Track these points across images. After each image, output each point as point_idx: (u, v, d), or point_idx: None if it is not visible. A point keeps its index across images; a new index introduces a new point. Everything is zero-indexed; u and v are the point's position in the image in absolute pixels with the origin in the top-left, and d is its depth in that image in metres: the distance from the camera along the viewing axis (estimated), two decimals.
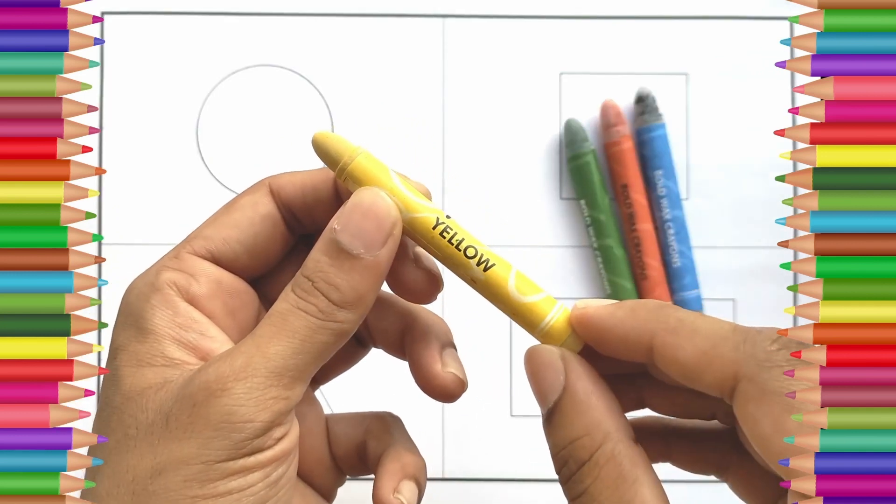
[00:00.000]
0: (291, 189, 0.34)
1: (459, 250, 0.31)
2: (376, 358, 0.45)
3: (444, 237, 0.31)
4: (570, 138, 0.44)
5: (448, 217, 0.31)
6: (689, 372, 0.29)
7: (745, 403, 0.28)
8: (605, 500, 0.28)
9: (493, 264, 0.31)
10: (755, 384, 0.28)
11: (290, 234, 0.35)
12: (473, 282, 0.32)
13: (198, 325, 0.33)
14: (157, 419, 0.31)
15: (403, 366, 0.45)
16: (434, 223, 0.31)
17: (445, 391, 0.35)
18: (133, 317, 0.34)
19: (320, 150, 0.31)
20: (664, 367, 0.29)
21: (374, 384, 0.45)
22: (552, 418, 0.30)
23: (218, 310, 0.33)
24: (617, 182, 0.44)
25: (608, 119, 0.44)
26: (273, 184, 0.34)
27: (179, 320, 0.33)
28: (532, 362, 0.31)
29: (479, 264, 0.31)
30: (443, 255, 0.31)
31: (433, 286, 0.34)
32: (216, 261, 0.34)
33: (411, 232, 0.31)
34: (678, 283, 0.44)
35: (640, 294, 0.44)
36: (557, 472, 0.30)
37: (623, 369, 0.31)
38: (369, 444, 0.36)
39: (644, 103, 0.45)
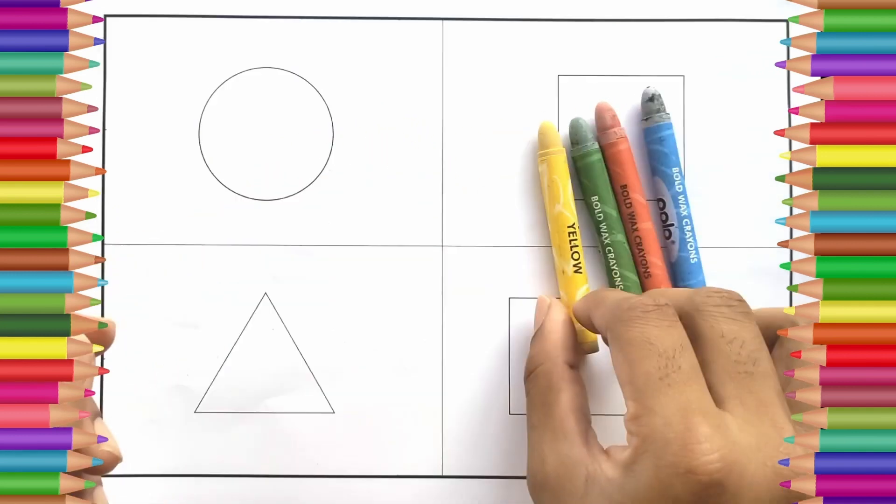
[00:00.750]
0: None
1: (572, 248, 0.44)
2: (376, 358, 0.45)
3: (570, 235, 0.44)
4: (577, 137, 0.44)
5: (577, 227, 0.44)
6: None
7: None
8: (537, 400, 0.40)
9: (581, 273, 0.44)
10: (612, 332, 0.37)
11: None
12: (562, 272, 0.44)
13: None
14: None
15: (403, 362, 0.46)
16: (571, 223, 0.44)
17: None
18: None
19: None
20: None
21: (374, 383, 0.45)
22: (531, 341, 0.42)
23: None
24: (616, 183, 0.44)
25: (604, 121, 0.44)
26: None
27: None
28: (536, 304, 0.43)
29: (574, 266, 0.44)
30: (559, 242, 0.44)
31: (114, 463, 0.37)
32: None
33: (555, 220, 0.44)
34: (686, 282, 0.44)
35: (646, 290, 0.45)
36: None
37: None
38: None
39: (657, 101, 0.45)
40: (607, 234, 0.44)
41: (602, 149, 0.45)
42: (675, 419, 0.33)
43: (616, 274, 0.44)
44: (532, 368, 0.41)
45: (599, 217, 0.44)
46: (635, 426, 0.34)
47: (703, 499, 0.33)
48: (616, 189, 0.44)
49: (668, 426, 0.33)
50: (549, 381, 0.40)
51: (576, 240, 0.44)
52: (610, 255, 0.44)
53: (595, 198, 0.44)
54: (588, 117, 0.45)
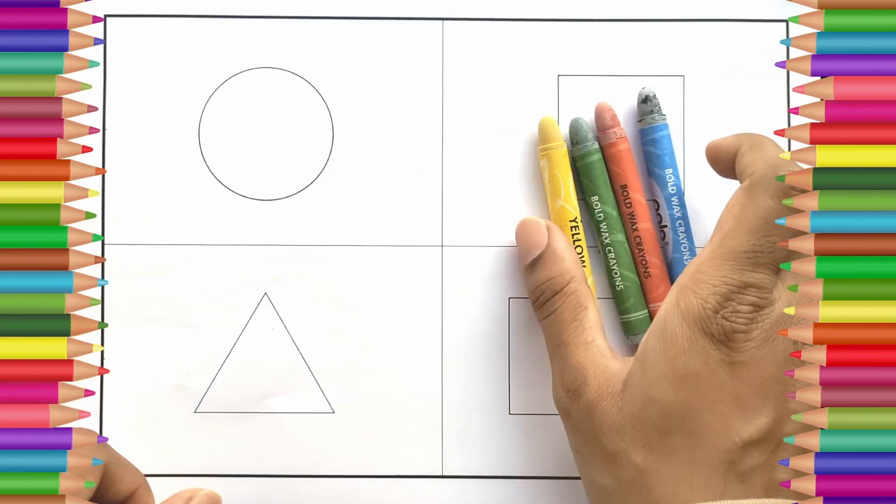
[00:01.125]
0: None
1: (575, 242, 0.44)
2: (376, 358, 0.45)
3: (573, 230, 0.44)
4: (577, 137, 0.44)
5: (580, 221, 0.44)
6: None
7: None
8: (567, 316, 0.41)
9: (585, 266, 0.44)
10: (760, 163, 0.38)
11: None
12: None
13: None
14: None
15: (403, 363, 0.46)
16: (573, 217, 0.44)
17: None
18: None
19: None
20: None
21: (374, 383, 0.45)
22: (535, 264, 0.42)
23: None
24: (616, 182, 0.44)
25: (604, 121, 0.44)
26: None
27: None
28: (524, 226, 0.43)
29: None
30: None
31: None
32: None
33: (557, 215, 0.44)
34: None
35: (645, 291, 0.44)
36: (533, 302, 0.42)
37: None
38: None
39: (652, 102, 0.45)
40: (607, 234, 0.44)
41: (602, 148, 0.45)
42: (730, 281, 0.36)
43: (616, 273, 0.44)
44: (559, 288, 0.41)
45: (599, 217, 0.44)
46: (695, 266, 0.37)
47: (725, 345, 0.36)
48: (616, 189, 0.44)
49: (722, 284, 0.36)
50: (578, 298, 0.41)
51: (578, 234, 0.44)
52: (610, 254, 0.44)
53: (595, 198, 0.44)
54: (588, 117, 0.45)
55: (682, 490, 0.36)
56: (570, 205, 0.44)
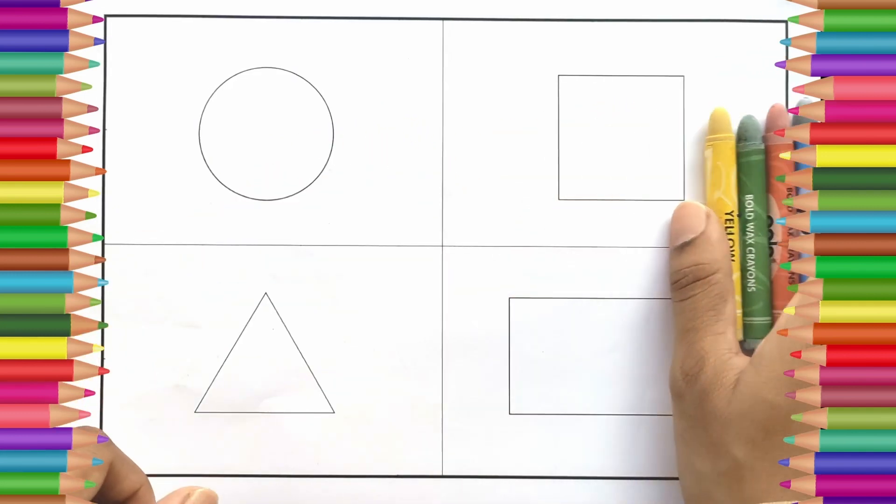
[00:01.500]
0: None
1: (728, 235, 0.43)
2: (376, 358, 0.45)
3: (727, 222, 0.44)
4: (745, 134, 0.44)
5: (737, 216, 0.44)
6: None
7: None
8: (704, 304, 0.42)
9: (735, 260, 0.43)
10: None
11: None
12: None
13: None
14: None
15: (402, 363, 0.46)
16: (730, 211, 0.44)
17: None
18: None
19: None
20: None
21: (374, 383, 0.45)
22: (685, 248, 0.43)
23: None
24: (785, 185, 0.44)
25: (784, 123, 0.44)
26: None
27: None
28: (684, 208, 0.44)
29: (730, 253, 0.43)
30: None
31: None
32: None
33: (713, 206, 0.44)
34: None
35: (777, 297, 0.44)
36: (673, 283, 0.43)
37: None
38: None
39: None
40: (752, 234, 0.44)
41: (767, 150, 0.44)
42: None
43: (751, 275, 0.43)
44: (704, 276, 0.42)
45: (750, 216, 0.44)
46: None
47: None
48: (781, 192, 0.44)
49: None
50: (721, 289, 0.42)
51: (732, 228, 0.44)
52: (750, 254, 0.44)
53: (750, 196, 0.44)
54: (587, 116, 0.45)
55: (777, 488, 0.37)
56: (729, 198, 0.44)
